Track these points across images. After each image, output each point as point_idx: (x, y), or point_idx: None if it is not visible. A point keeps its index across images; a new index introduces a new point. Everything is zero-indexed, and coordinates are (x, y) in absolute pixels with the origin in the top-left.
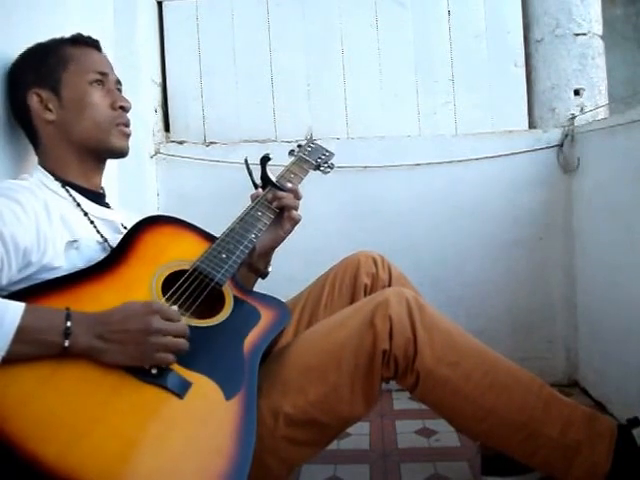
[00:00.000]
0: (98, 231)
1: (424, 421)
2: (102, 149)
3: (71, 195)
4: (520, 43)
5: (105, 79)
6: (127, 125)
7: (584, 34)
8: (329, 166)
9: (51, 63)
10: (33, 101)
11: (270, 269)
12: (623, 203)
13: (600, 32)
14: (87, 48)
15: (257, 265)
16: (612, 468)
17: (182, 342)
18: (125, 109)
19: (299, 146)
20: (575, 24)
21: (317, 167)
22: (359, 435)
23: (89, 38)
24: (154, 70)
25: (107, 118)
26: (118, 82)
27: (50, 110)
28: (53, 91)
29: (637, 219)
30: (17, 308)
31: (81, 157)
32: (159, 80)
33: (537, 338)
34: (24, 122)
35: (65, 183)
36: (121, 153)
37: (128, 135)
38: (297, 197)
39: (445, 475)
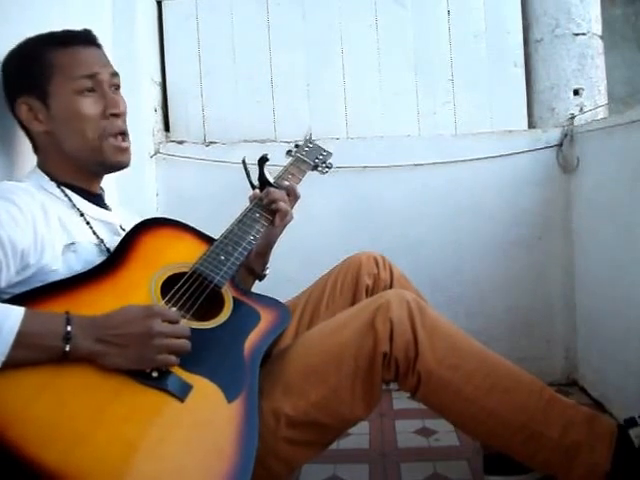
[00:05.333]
0: (94, 232)
1: (424, 421)
2: (96, 165)
3: (67, 195)
4: (520, 43)
5: (96, 82)
6: (122, 135)
7: (583, 34)
8: (327, 166)
9: (35, 73)
10: (22, 112)
11: (268, 271)
12: (622, 203)
13: (599, 32)
14: (74, 48)
15: (253, 266)
16: (612, 468)
17: (184, 343)
18: (118, 115)
19: (297, 146)
20: (574, 24)
21: (315, 167)
22: (359, 435)
23: (76, 34)
24: (154, 70)
25: (97, 130)
26: (114, 75)
27: (40, 121)
28: (42, 101)
29: (636, 219)
30: (17, 313)
31: (77, 167)
32: (159, 80)
33: (536, 337)
34: (21, 126)
35: (61, 184)
36: (119, 167)
37: (124, 149)
38: (295, 195)
39: (445, 475)
